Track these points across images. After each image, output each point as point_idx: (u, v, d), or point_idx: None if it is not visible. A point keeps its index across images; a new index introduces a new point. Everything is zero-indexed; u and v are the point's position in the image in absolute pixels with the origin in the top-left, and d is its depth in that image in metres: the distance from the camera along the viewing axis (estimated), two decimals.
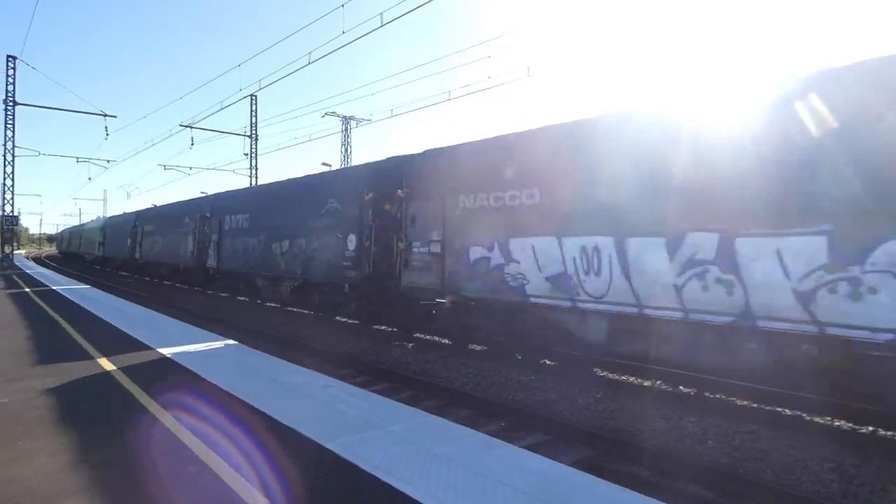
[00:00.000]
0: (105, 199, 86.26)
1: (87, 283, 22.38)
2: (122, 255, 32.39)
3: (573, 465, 4.78)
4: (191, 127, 27.82)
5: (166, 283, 26.17)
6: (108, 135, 28.61)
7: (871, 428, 6.07)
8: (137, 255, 28.78)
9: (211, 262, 19.40)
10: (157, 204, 31.63)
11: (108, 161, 34.92)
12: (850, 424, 6.19)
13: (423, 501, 3.21)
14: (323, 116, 35.05)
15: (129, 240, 30.26)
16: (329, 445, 4.06)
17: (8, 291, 17.00)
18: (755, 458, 5.45)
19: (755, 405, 6.85)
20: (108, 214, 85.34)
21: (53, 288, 18.41)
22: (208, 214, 19.83)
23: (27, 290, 17.68)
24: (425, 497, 3.25)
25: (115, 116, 28.39)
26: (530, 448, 4.73)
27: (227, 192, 20.58)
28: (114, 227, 35.84)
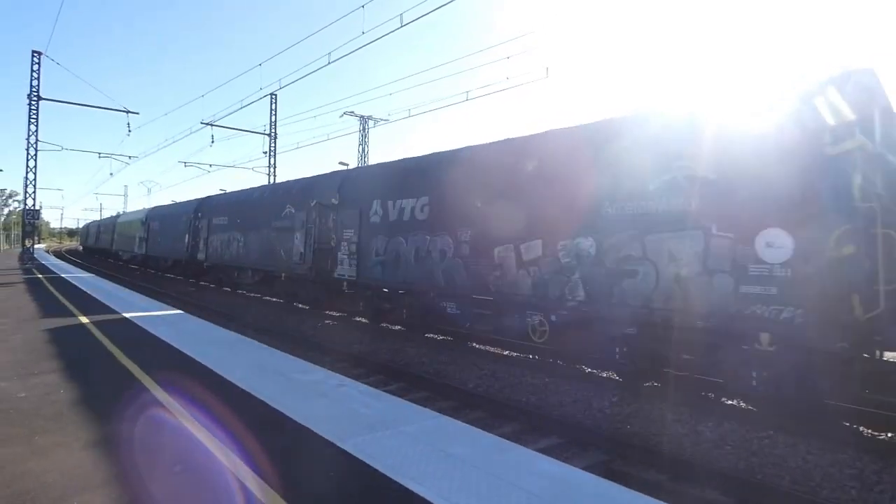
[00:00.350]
0: (126, 195, 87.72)
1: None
2: (174, 255, 26.02)
3: (587, 468, 4.74)
4: (211, 125, 28.13)
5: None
6: (130, 131, 29.01)
7: (890, 434, 5.95)
8: (201, 256, 22.42)
9: (344, 271, 12.94)
10: (176, 200, 31.31)
11: (130, 157, 35.48)
12: (869, 431, 6.07)
13: (434, 502, 3.21)
14: (341, 116, 35.20)
15: (186, 236, 23.95)
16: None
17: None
18: (773, 463, 5.37)
19: (772, 410, 6.75)
20: (129, 209, 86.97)
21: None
22: (335, 201, 13.60)
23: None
24: (437, 498, 3.25)
25: (137, 113, 28.80)
26: (544, 451, 4.71)
27: (381, 164, 13.37)
28: (162, 220, 28.56)
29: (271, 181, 30.66)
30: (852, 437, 5.94)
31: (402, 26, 13.58)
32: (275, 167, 31.88)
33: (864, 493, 4.80)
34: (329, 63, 17.43)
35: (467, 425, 4.80)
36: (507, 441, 4.43)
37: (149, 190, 74.08)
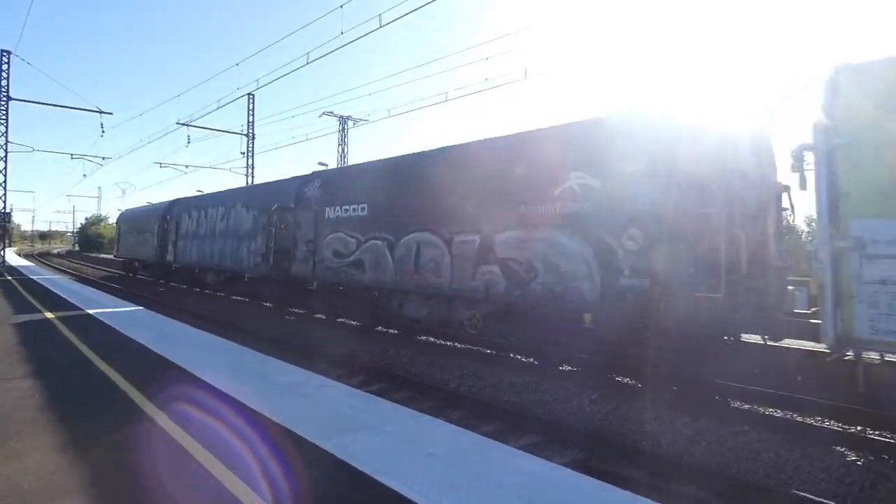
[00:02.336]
0: (100, 197, 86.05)
1: None
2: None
3: (566, 465, 4.81)
4: (187, 125, 27.71)
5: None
6: (103, 132, 28.38)
7: (859, 427, 6.14)
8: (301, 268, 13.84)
9: None
10: (151, 201, 29.63)
11: (104, 158, 34.69)
12: (840, 425, 6.26)
13: (416, 501, 3.23)
14: (320, 116, 34.90)
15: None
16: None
17: None
18: (747, 458, 5.50)
19: (746, 406, 6.91)
20: (102, 212, 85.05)
21: None
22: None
23: None
24: (419, 497, 3.27)
25: (110, 113, 28.13)
26: (524, 449, 4.77)
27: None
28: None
29: (249, 182, 30.29)
30: (823, 431, 6.12)
31: (381, 27, 13.57)
32: (253, 168, 31.54)
33: (834, 486, 4.95)
34: (308, 63, 17.30)
35: (449, 424, 4.85)
36: (489, 440, 4.48)
37: (123, 191, 73.08)
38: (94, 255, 61.03)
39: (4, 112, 26.24)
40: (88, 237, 78.55)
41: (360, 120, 35.39)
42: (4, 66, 25.89)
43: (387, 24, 13.42)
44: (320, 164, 30.39)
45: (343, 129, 36.00)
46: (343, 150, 36.02)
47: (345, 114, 35.59)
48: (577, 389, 7.66)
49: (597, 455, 5.71)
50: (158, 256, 24.50)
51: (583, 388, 7.72)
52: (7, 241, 33.79)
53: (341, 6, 14.49)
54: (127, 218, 31.84)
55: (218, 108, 24.68)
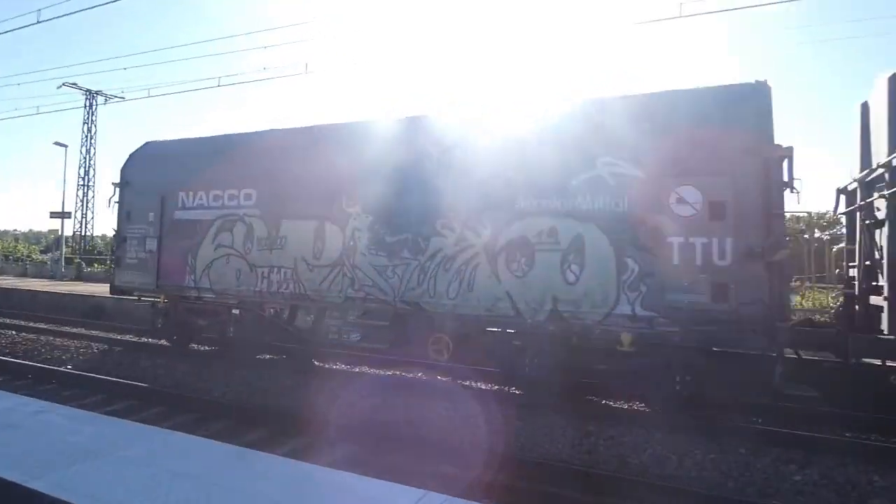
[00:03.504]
0: None
1: None
2: None
3: (332, 464, 4.80)
4: None
5: None
6: None
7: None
8: None
9: None
10: None
11: None
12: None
13: None
14: (59, 87, 29.09)
15: None
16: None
17: None
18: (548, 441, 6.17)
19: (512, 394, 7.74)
20: None
21: None
22: None
23: None
24: None
25: None
26: (290, 454, 4.63)
27: None
28: None
29: None
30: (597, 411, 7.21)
31: None
32: None
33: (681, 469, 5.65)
34: (38, 22, 14.35)
35: (206, 439, 4.44)
36: (250, 449, 4.23)
37: None
38: None
39: None
40: None
41: (113, 97, 30.58)
42: None
43: None
44: (56, 143, 25.53)
45: (90, 106, 30.68)
46: (90, 130, 30.68)
47: (93, 87, 30.33)
48: (347, 386, 7.75)
49: (370, 449, 5.84)
50: None
51: (346, 383, 7.84)
52: None
53: None
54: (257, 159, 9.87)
55: None
